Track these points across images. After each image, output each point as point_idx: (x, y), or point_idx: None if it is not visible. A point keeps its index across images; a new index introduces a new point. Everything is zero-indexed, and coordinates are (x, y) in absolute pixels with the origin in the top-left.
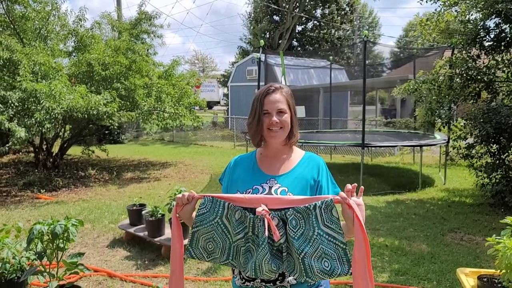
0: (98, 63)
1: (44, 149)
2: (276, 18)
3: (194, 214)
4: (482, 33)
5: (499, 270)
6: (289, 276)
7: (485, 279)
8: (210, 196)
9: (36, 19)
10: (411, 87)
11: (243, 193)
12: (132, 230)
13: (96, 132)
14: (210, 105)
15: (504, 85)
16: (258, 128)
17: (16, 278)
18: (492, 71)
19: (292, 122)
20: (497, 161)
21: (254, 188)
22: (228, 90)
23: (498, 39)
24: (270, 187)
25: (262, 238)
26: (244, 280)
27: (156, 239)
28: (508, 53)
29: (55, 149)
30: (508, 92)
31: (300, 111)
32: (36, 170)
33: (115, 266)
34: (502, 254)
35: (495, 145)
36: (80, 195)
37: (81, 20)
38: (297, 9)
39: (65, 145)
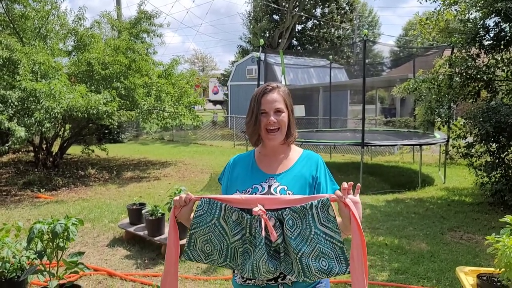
0: (98, 62)
1: (44, 149)
2: (276, 17)
3: (192, 215)
4: (481, 32)
5: (498, 269)
6: (288, 275)
7: (485, 278)
8: (207, 198)
9: (35, 18)
10: (411, 86)
11: (242, 192)
12: (132, 229)
13: (96, 132)
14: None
15: (504, 84)
16: (255, 128)
17: (16, 277)
18: (492, 70)
19: (289, 121)
20: (497, 160)
21: (253, 187)
22: (228, 89)
23: (498, 38)
24: (270, 186)
25: (259, 239)
26: (245, 279)
27: (156, 238)
28: (508, 52)
29: (55, 148)
30: (508, 91)
31: (300, 110)
32: (36, 170)
33: (115, 265)
34: (501, 252)
35: (494, 144)
36: (80, 194)
37: (81, 19)
38: (297, 8)
39: (65, 145)
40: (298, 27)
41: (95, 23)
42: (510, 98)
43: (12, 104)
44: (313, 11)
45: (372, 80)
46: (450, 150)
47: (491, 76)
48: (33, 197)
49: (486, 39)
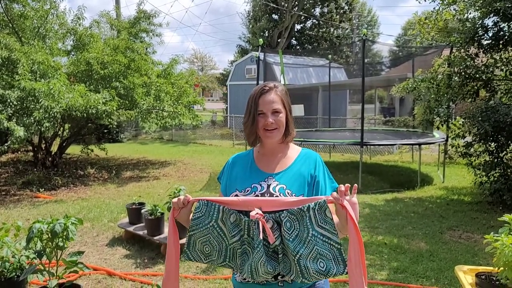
0: (97, 62)
1: (43, 148)
2: (275, 16)
3: (190, 217)
4: (480, 31)
5: (497, 268)
6: (286, 276)
7: (483, 277)
8: (205, 200)
9: (34, 17)
10: (410, 85)
11: (241, 191)
12: (131, 228)
13: (95, 131)
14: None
15: (502, 83)
16: (253, 128)
17: (15, 276)
18: (491, 69)
19: (287, 120)
20: (496, 160)
21: (252, 186)
22: (227, 89)
23: (496, 38)
24: (269, 185)
25: (257, 241)
26: (244, 277)
27: (155, 238)
28: (506, 52)
29: (54, 148)
30: (506, 91)
31: (299, 110)
32: (35, 169)
33: (115, 264)
34: (500, 251)
35: (493, 143)
36: (79, 194)
37: (80, 19)
38: (296, 8)
39: (64, 144)
40: (297, 27)
41: (94, 23)
42: (509, 97)
43: (11, 103)
44: (312, 10)
45: (371, 80)
46: (449, 150)
47: (490, 75)
48: (32, 196)
49: (485, 38)
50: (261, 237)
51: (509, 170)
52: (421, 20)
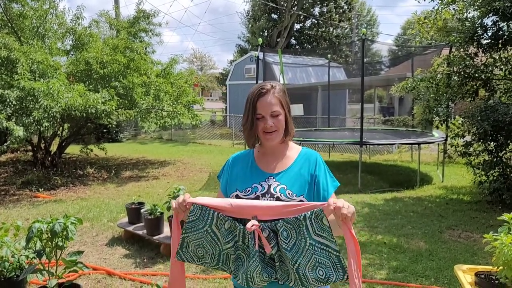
0: (96, 61)
1: (43, 148)
2: (274, 16)
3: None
4: (479, 31)
5: (496, 267)
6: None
7: (483, 276)
8: (199, 204)
9: (33, 17)
10: (409, 85)
11: (242, 191)
12: (131, 228)
13: (95, 131)
14: None
15: (502, 83)
16: (252, 132)
17: (15, 276)
18: (490, 69)
19: (286, 120)
20: (495, 159)
21: (253, 186)
22: (226, 88)
23: (496, 37)
24: (269, 186)
25: (253, 251)
26: (239, 282)
27: (155, 237)
28: (506, 51)
29: (54, 147)
30: (506, 90)
31: (299, 109)
32: (35, 169)
33: (114, 264)
34: (499, 251)
35: (492, 142)
36: (78, 193)
37: (79, 19)
38: (295, 7)
39: (63, 144)
40: (297, 26)
41: (93, 22)
42: (508, 96)
43: (10, 103)
44: (312, 10)
45: (370, 79)
46: (448, 149)
47: (489, 75)
48: (32, 196)
49: (484, 38)
50: (257, 247)
51: (508, 170)
52: (421, 19)
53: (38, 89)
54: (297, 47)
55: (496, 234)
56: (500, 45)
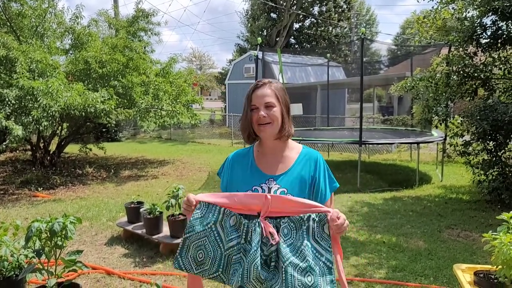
0: (95, 60)
1: (42, 147)
2: (273, 15)
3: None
4: (478, 30)
5: (495, 266)
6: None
7: (482, 275)
8: (206, 202)
9: (32, 16)
10: (408, 84)
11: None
12: (130, 227)
13: (94, 130)
14: None
15: (501, 82)
16: (246, 123)
17: (14, 276)
18: (489, 68)
19: (283, 116)
20: (494, 158)
21: (253, 189)
22: (225, 87)
23: (495, 37)
24: (269, 188)
25: (254, 246)
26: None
27: (154, 237)
28: (505, 51)
29: (53, 147)
30: (505, 89)
31: (298, 109)
32: (34, 168)
33: (113, 263)
34: (498, 250)
35: (491, 142)
36: (77, 193)
37: (78, 18)
38: (295, 7)
39: (62, 143)
40: (296, 26)
41: (92, 22)
42: (507, 96)
43: (9, 102)
44: (311, 9)
45: (369, 79)
46: (447, 148)
47: (488, 74)
48: (31, 195)
49: (483, 37)
50: (265, 234)
51: (507, 169)
52: (420, 19)
53: (37, 88)
54: (296, 46)
55: (495, 233)
56: (499, 45)
